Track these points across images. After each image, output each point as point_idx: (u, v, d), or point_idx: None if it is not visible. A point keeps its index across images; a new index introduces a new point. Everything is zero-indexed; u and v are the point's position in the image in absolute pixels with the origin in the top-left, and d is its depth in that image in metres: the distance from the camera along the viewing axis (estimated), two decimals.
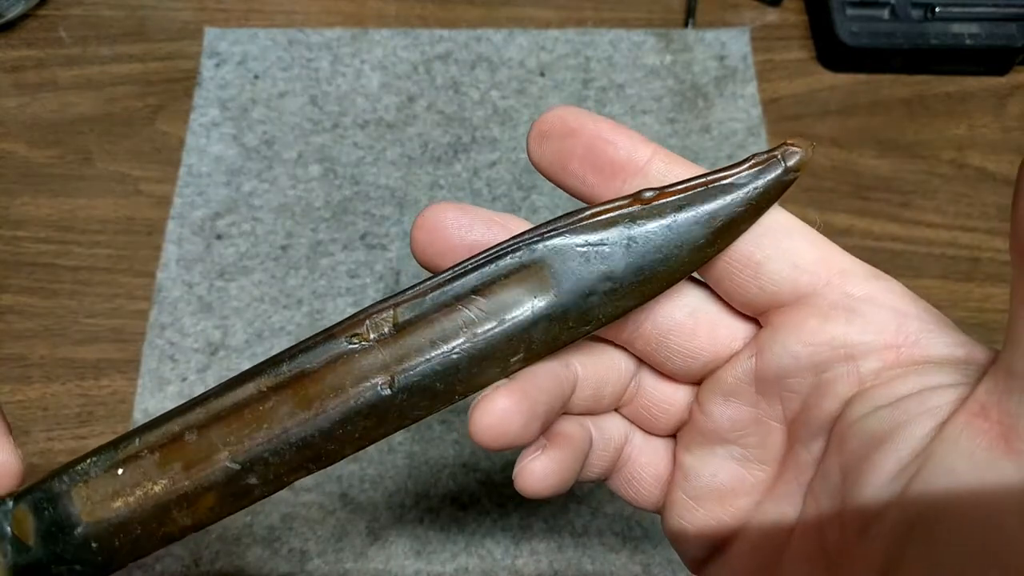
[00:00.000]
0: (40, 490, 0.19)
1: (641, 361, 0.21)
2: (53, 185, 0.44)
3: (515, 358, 0.18)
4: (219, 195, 0.44)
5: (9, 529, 0.19)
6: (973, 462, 0.15)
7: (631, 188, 0.19)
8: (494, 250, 0.18)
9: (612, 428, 0.22)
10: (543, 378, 0.19)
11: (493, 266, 0.18)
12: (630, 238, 0.18)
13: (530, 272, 0.18)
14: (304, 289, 0.41)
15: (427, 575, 0.36)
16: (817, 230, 0.19)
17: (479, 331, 0.18)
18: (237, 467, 0.19)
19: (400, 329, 0.18)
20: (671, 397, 0.21)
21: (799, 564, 0.18)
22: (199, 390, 0.39)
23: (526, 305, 0.18)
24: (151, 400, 0.39)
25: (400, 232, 0.43)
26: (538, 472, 0.19)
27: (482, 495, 0.37)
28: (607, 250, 0.18)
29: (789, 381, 0.19)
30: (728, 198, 0.18)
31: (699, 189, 0.18)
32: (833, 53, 0.47)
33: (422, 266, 0.20)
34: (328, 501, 0.37)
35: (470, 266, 0.18)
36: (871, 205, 0.44)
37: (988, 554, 0.14)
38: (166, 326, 0.40)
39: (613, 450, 0.22)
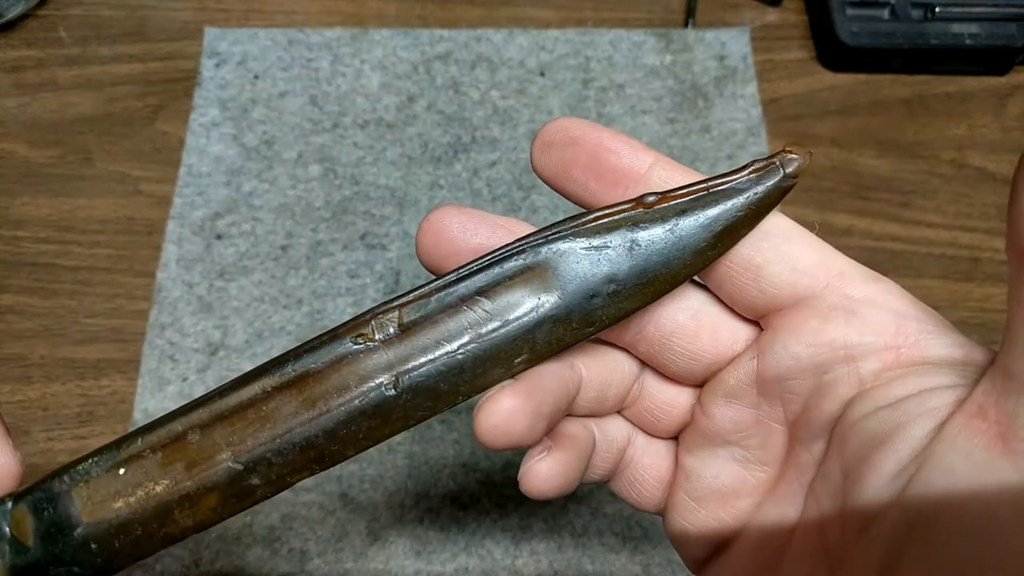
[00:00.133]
0: (40, 490, 0.19)
1: (644, 363, 0.21)
2: (53, 185, 0.44)
3: (519, 359, 0.19)
4: (219, 195, 0.44)
5: (8, 530, 0.19)
6: (971, 462, 0.15)
7: (633, 195, 0.19)
8: (499, 252, 0.19)
9: (615, 430, 0.22)
10: (548, 379, 0.19)
11: (498, 268, 0.18)
12: (633, 241, 0.18)
13: (535, 274, 0.18)
14: (304, 289, 0.41)
15: (427, 575, 0.36)
16: (815, 234, 0.19)
17: (484, 332, 0.18)
18: (240, 467, 0.19)
19: (405, 330, 0.19)
20: (673, 399, 0.21)
21: (800, 564, 0.18)
22: (199, 390, 0.39)
23: (530, 307, 0.18)
24: (151, 400, 0.39)
25: (400, 232, 0.43)
26: (544, 473, 0.19)
27: (482, 495, 0.37)
28: (611, 253, 0.18)
29: (790, 383, 0.19)
30: (729, 203, 0.18)
31: (700, 194, 0.18)
32: (833, 53, 0.47)
33: (427, 269, 0.20)
34: (328, 501, 0.37)
35: (475, 268, 0.19)
36: (871, 205, 0.44)
37: (986, 554, 0.14)
38: (166, 326, 0.40)
39: (616, 452, 0.22)
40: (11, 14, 0.47)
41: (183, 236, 0.42)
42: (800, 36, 0.49)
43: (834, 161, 0.45)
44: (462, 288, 0.19)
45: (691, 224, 0.18)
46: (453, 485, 0.38)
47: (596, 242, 0.18)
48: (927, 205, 0.44)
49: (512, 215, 0.43)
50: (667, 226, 0.18)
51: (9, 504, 0.19)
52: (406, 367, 0.18)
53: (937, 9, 0.46)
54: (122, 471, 0.19)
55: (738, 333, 0.20)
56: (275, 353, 0.40)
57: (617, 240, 0.18)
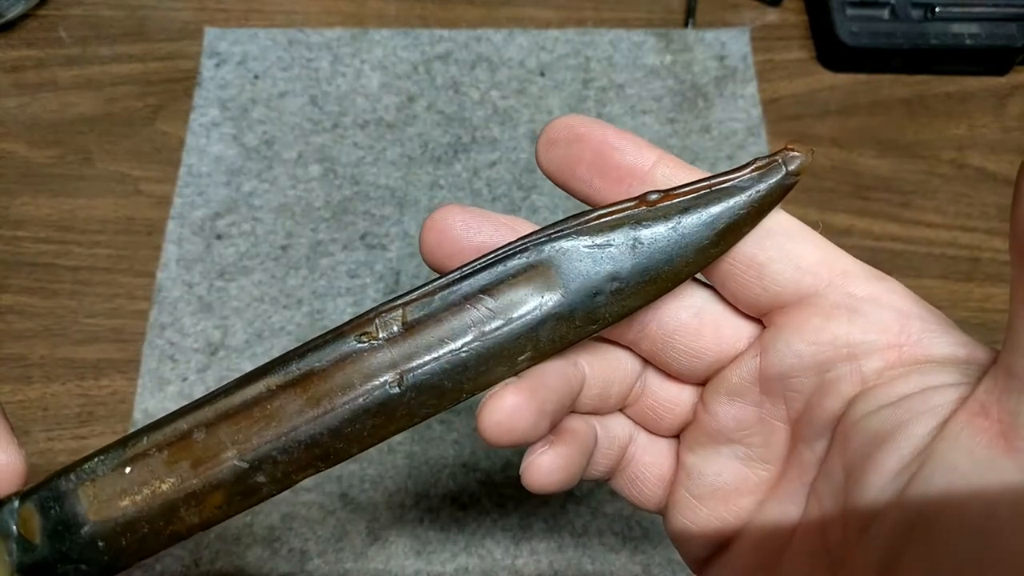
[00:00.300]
0: (46, 489, 0.19)
1: (647, 362, 0.21)
2: (53, 185, 0.44)
3: (523, 357, 0.19)
4: (219, 195, 0.44)
5: (15, 528, 0.19)
6: (973, 460, 0.15)
7: (636, 192, 0.19)
8: (502, 250, 0.19)
9: (617, 427, 0.22)
10: (551, 376, 0.19)
11: (501, 266, 0.19)
12: (636, 239, 0.18)
13: (538, 272, 0.19)
14: (304, 289, 0.41)
15: (427, 575, 0.36)
16: (819, 232, 0.19)
17: (487, 330, 0.18)
18: (245, 465, 0.19)
19: (409, 328, 0.19)
20: (676, 397, 0.21)
21: (801, 563, 0.18)
22: (199, 390, 0.39)
23: (534, 304, 0.18)
24: (151, 400, 0.39)
25: (400, 232, 0.43)
26: (545, 467, 0.19)
27: (482, 495, 0.37)
28: (613, 251, 0.18)
29: (793, 380, 0.19)
30: (731, 201, 0.18)
31: (703, 192, 0.18)
32: (833, 53, 0.47)
33: (430, 267, 0.20)
34: (328, 501, 0.37)
35: (479, 266, 0.19)
36: (871, 205, 0.44)
37: (986, 553, 0.14)
38: (166, 326, 0.40)
39: (617, 449, 0.22)
40: (11, 14, 0.47)
41: (183, 236, 0.42)
42: (800, 36, 0.49)
43: (834, 161, 0.45)
44: (465, 286, 0.19)
45: (694, 222, 0.18)
46: (453, 485, 0.38)
47: (599, 240, 0.18)
48: (927, 205, 0.44)
49: (512, 215, 0.43)
50: (670, 224, 0.18)
51: (16, 503, 0.19)
52: (410, 365, 0.18)
53: (937, 9, 0.46)
54: (128, 469, 0.19)
55: (741, 331, 0.20)
56: (275, 353, 0.40)
57: (620, 238, 0.18)
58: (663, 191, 0.18)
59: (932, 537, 0.15)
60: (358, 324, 0.19)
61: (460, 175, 0.44)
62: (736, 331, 0.20)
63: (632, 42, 0.48)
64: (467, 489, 0.38)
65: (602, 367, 0.20)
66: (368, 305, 0.41)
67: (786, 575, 0.19)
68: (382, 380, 0.18)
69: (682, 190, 0.18)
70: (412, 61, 0.47)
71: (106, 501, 0.19)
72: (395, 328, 0.19)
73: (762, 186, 0.18)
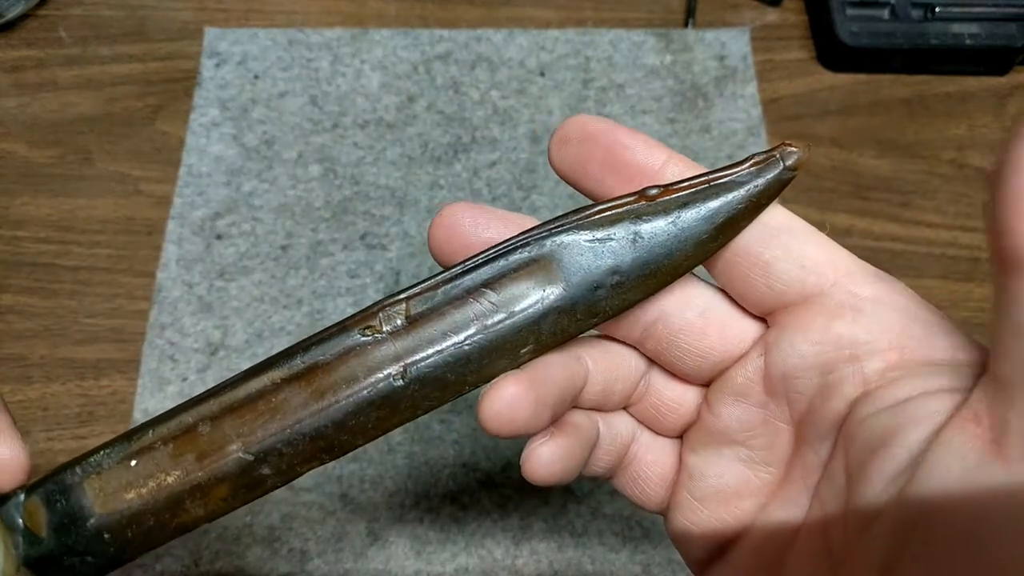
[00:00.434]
0: (52, 482, 0.20)
1: (652, 361, 0.21)
2: (53, 185, 0.44)
3: (524, 349, 0.19)
4: (219, 195, 0.44)
5: (21, 521, 0.20)
6: (965, 466, 0.15)
7: None
8: (504, 245, 0.19)
9: (620, 425, 0.22)
10: (553, 369, 0.19)
11: (504, 260, 0.19)
12: (636, 234, 0.18)
13: (539, 266, 0.19)
14: (304, 289, 0.41)
15: (427, 575, 0.36)
16: (825, 233, 0.19)
17: (490, 323, 0.19)
18: (251, 458, 0.19)
19: (412, 321, 0.19)
20: (680, 397, 0.21)
21: (804, 564, 0.18)
22: (199, 390, 0.38)
23: (536, 298, 0.19)
24: (151, 400, 0.39)
25: (400, 232, 0.43)
26: (545, 457, 0.19)
27: (482, 495, 0.37)
28: (614, 245, 0.18)
29: (796, 381, 0.19)
30: (729, 196, 0.18)
31: (702, 187, 0.18)
32: (833, 53, 0.47)
33: (439, 263, 0.20)
34: (328, 501, 0.37)
35: (481, 260, 0.19)
36: (871, 205, 0.44)
37: (979, 557, 0.14)
38: (166, 326, 0.40)
39: (620, 446, 0.22)
40: (11, 14, 0.47)
41: (183, 236, 0.42)
42: (800, 36, 0.49)
43: (834, 161, 0.45)
44: (468, 280, 0.19)
45: (693, 216, 0.18)
46: (453, 485, 0.38)
47: (600, 234, 0.18)
48: (927, 205, 0.44)
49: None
50: (669, 218, 0.18)
51: (22, 496, 0.20)
52: (414, 358, 0.19)
53: (937, 9, 0.46)
54: (134, 463, 0.19)
55: (746, 331, 0.20)
56: (277, 351, 0.40)
57: (620, 232, 0.18)
58: (662, 186, 0.18)
59: (929, 540, 0.15)
60: (362, 318, 0.19)
61: (460, 175, 0.44)
62: (741, 331, 0.20)
63: (632, 42, 0.48)
64: (467, 489, 0.38)
65: (606, 363, 0.21)
66: (368, 305, 0.41)
67: None
68: (386, 373, 0.19)
69: (681, 185, 0.18)
70: (412, 61, 0.47)
71: (112, 494, 0.19)
72: (399, 322, 0.19)
73: (760, 181, 0.18)
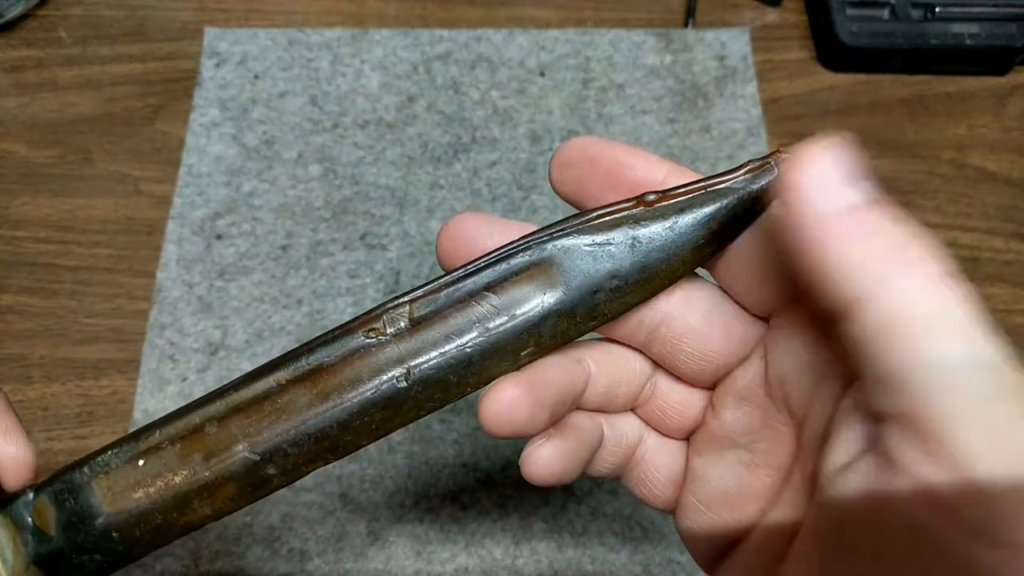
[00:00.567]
0: (60, 482, 0.20)
1: (658, 364, 0.21)
2: (53, 185, 0.44)
3: (525, 351, 0.19)
4: (219, 195, 0.44)
5: (30, 520, 0.20)
6: (867, 484, 0.16)
7: None
8: (506, 249, 0.19)
9: (626, 427, 0.22)
10: (552, 370, 0.19)
11: (505, 264, 0.19)
12: (634, 238, 0.19)
13: (540, 270, 0.19)
14: (304, 289, 0.41)
15: (427, 575, 0.36)
16: None
17: (491, 326, 0.19)
18: (256, 458, 0.19)
19: (416, 324, 0.19)
20: (687, 400, 0.22)
21: (798, 565, 0.18)
22: (199, 390, 0.39)
23: (536, 301, 0.19)
24: (151, 400, 0.39)
25: (400, 232, 0.43)
26: (543, 458, 0.20)
27: (482, 495, 0.37)
28: (613, 249, 0.19)
29: (793, 384, 0.19)
30: (725, 201, 0.19)
31: (698, 193, 0.19)
32: (833, 53, 0.47)
33: (445, 270, 0.20)
34: (328, 501, 0.37)
35: (483, 264, 0.19)
36: None
37: (878, 568, 0.15)
38: (166, 326, 0.40)
39: (625, 447, 0.22)
40: (11, 14, 0.47)
41: (183, 236, 0.42)
42: (800, 36, 0.49)
43: None
44: (470, 284, 0.19)
45: (689, 221, 0.19)
46: (453, 485, 0.38)
47: (599, 239, 0.19)
48: (927, 205, 0.44)
49: (512, 215, 0.43)
50: (667, 223, 0.19)
51: (30, 495, 0.20)
52: (417, 360, 0.19)
53: (937, 9, 0.46)
54: (142, 462, 0.20)
55: (750, 333, 0.20)
56: (275, 353, 0.40)
57: (619, 237, 0.19)
58: (660, 192, 0.19)
59: (844, 543, 0.16)
60: (366, 320, 0.19)
61: (460, 175, 0.44)
62: (744, 333, 0.20)
63: (632, 42, 0.48)
64: (467, 489, 0.38)
65: (609, 366, 0.21)
66: (368, 305, 0.41)
67: None
68: (390, 375, 0.19)
69: (678, 191, 0.19)
70: (412, 61, 0.48)
71: (120, 493, 0.20)
72: (402, 324, 0.19)
73: (755, 187, 0.18)
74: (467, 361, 0.19)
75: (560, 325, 0.19)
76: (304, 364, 0.19)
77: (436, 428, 0.39)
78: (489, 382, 0.19)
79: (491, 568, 0.36)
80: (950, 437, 0.14)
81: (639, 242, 0.19)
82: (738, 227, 0.19)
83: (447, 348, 0.19)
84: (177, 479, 0.19)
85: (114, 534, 0.20)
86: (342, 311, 0.41)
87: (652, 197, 0.19)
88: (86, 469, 0.20)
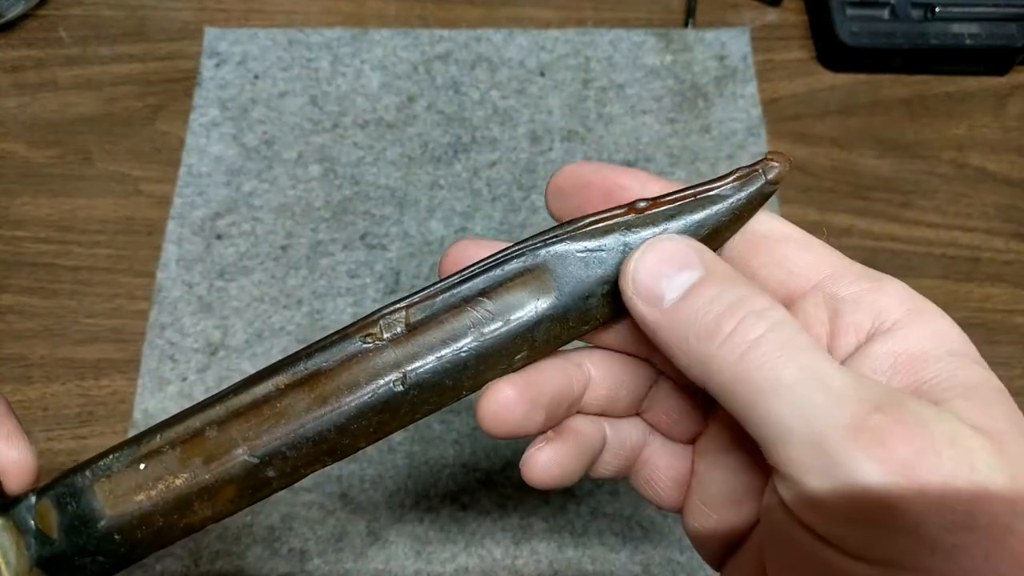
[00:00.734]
0: (62, 485, 0.20)
1: (661, 371, 0.22)
2: (53, 185, 0.44)
3: (519, 356, 0.20)
4: (219, 195, 0.44)
5: (33, 523, 0.20)
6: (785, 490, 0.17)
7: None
8: (500, 255, 0.20)
9: (629, 431, 0.22)
10: (549, 373, 0.20)
11: (499, 270, 0.20)
12: (626, 244, 0.19)
13: (533, 276, 0.19)
14: (304, 289, 0.41)
15: (427, 575, 0.36)
16: (824, 238, 0.19)
17: (486, 331, 0.19)
18: (256, 461, 0.19)
19: (412, 329, 0.20)
20: (690, 404, 0.22)
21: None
22: (199, 390, 0.39)
23: (530, 306, 0.20)
24: (151, 400, 0.39)
25: (400, 232, 0.43)
26: (542, 462, 0.20)
27: (482, 495, 0.37)
28: (605, 255, 0.19)
29: None
30: (714, 208, 0.19)
31: (688, 200, 0.19)
32: (833, 53, 0.47)
33: (441, 278, 0.21)
34: (328, 501, 0.37)
35: (478, 270, 0.20)
36: (871, 205, 0.44)
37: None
38: (166, 326, 0.40)
39: (629, 450, 0.22)
40: (11, 14, 0.47)
41: (183, 236, 0.42)
42: (800, 36, 0.49)
43: (834, 161, 0.45)
44: (465, 289, 0.20)
45: (679, 228, 0.19)
46: (453, 485, 0.38)
47: (591, 245, 0.19)
48: (927, 205, 0.44)
49: (512, 215, 0.43)
50: (657, 230, 0.19)
51: (33, 498, 0.20)
52: (413, 365, 0.19)
53: (937, 9, 0.46)
54: (142, 466, 0.20)
55: None
56: (275, 353, 0.40)
57: (611, 243, 0.19)
58: (651, 199, 0.19)
59: (772, 551, 0.18)
60: (363, 325, 0.20)
61: (460, 175, 0.44)
62: None
63: (632, 42, 0.48)
64: (467, 489, 0.38)
65: (610, 370, 0.21)
66: (368, 305, 0.41)
67: None
68: (386, 379, 0.19)
69: (668, 198, 0.19)
70: (412, 61, 0.48)
71: (122, 496, 0.20)
72: (399, 329, 0.20)
73: (743, 194, 0.19)
74: (462, 365, 0.19)
75: (553, 330, 0.20)
76: (302, 369, 0.20)
77: (436, 428, 0.39)
78: (484, 386, 0.20)
79: (491, 568, 0.36)
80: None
81: (631, 248, 0.19)
82: (726, 233, 0.19)
83: (443, 353, 0.19)
84: (178, 482, 0.20)
85: (116, 536, 0.20)
86: (342, 311, 0.41)
87: (643, 204, 0.19)
88: (88, 473, 0.20)
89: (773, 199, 0.42)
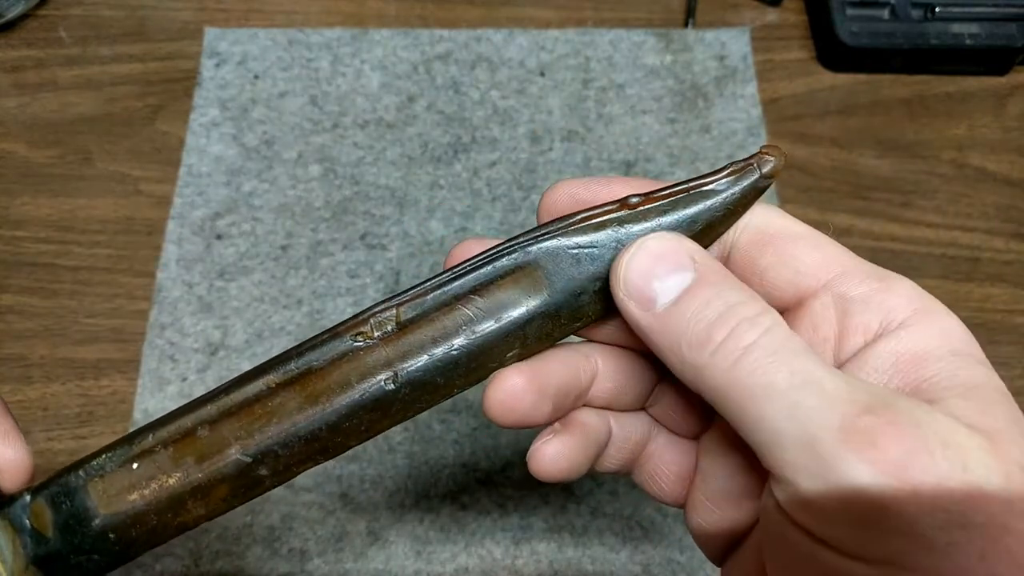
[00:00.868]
0: (56, 485, 0.20)
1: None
2: (53, 185, 0.44)
3: (511, 353, 0.20)
4: (219, 195, 0.44)
5: (28, 522, 0.20)
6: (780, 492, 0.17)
7: None
8: (491, 252, 0.19)
9: (635, 425, 0.22)
10: (556, 363, 0.20)
11: (491, 267, 0.19)
12: (618, 241, 0.19)
13: (525, 273, 0.19)
14: (304, 289, 0.41)
15: (427, 575, 0.36)
16: (829, 235, 0.19)
17: (477, 329, 0.19)
18: (248, 459, 0.19)
19: (403, 327, 0.20)
20: (696, 401, 0.22)
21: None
22: (199, 390, 0.39)
23: (521, 304, 0.19)
24: (151, 400, 0.39)
25: (400, 232, 0.43)
26: (550, 455, 0.20)
27: (482, 495, 0.37)
28: (597, 252, 0.19)
29: None
30: (708, 203, 0.19)
31: (681, 195, 0.19)
32: (833, 53, 0.47)
33: (432, 276, 0.21)
34: (328, 501, 0.37)
35: (469, 267, 0.19)
36: (871, 205, 0.44)
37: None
38: (166, 326, 0.40)
39: (634, 445, 0.22)
40: (11, 14, 0.47)
41: (183, 236, 0.42)
42: (800, 36, 0.49)
43: (834, 161, 0.45)
44: (456, 287, 0.19)
45: (672, 223, 0.19)
46: (453, 485, 0.38)
47: (583, 241, 0.19)
48: (927, 205, 0.44)
49: (512, 215, 0.43)
50: (650, 225, 0.19)
51: (27, 498, 0.21)
52: (404, 363, 0.19)
53: (937, 9, 0.46)
54: (135, 465, 0.20)
55: None
56: (275, 353, 0.40)
57: (603, 240, 0.19)
58: (644, 195, 0.19)
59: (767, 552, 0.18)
60: (354, 324, 0.20)
61: (460, 175, 0.44)
62: None
63: (632, 42, 0.48)
64: (467, 489, 0.38)
65: (617, 364, 0.21)
66: (368, 305, 0.41)
67: None
68: (378, 377, 0.19)
69: (661, 193, 0.19)
70: (412, 61, 0.48)
71: (115, 495, 0.20)
72: (389, 328, 0.20)
73: (737, 189, 0.19)
74: (454, 363, 0.19)
75: (545, 327, 0.19)
76: (293, 368, 0.20)
77: (436, 428, 0.39)
78: (477, 383, 0.20)
79: (491, 568, 0.36)
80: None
81: (623, 244, 0.19)
82: (720, 228, 0.19)
83: (434, 351, 0.19)
84: (171, 481, 0.20)
85: (110, 535, 0.20)
86: (342, 311, 0.41)
87: (636, 200, 0.19)
88: (81, 472, 0.20)
89: (772, 199, 0.42)
